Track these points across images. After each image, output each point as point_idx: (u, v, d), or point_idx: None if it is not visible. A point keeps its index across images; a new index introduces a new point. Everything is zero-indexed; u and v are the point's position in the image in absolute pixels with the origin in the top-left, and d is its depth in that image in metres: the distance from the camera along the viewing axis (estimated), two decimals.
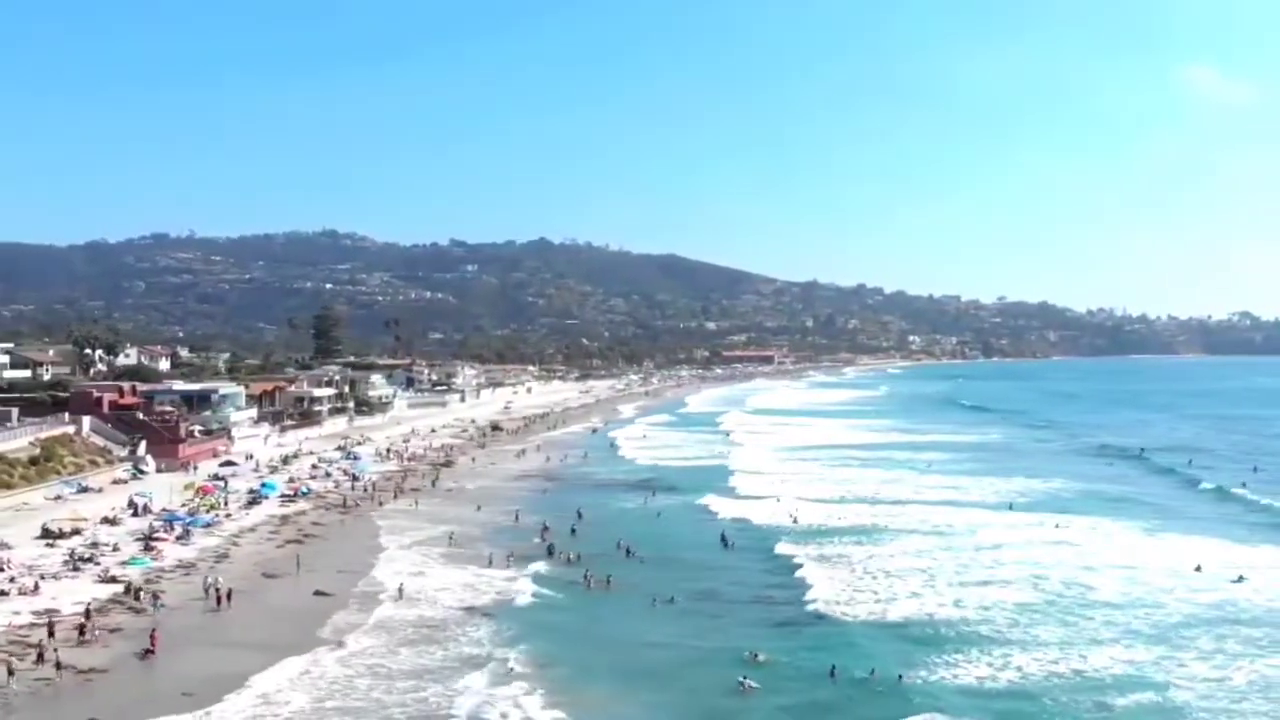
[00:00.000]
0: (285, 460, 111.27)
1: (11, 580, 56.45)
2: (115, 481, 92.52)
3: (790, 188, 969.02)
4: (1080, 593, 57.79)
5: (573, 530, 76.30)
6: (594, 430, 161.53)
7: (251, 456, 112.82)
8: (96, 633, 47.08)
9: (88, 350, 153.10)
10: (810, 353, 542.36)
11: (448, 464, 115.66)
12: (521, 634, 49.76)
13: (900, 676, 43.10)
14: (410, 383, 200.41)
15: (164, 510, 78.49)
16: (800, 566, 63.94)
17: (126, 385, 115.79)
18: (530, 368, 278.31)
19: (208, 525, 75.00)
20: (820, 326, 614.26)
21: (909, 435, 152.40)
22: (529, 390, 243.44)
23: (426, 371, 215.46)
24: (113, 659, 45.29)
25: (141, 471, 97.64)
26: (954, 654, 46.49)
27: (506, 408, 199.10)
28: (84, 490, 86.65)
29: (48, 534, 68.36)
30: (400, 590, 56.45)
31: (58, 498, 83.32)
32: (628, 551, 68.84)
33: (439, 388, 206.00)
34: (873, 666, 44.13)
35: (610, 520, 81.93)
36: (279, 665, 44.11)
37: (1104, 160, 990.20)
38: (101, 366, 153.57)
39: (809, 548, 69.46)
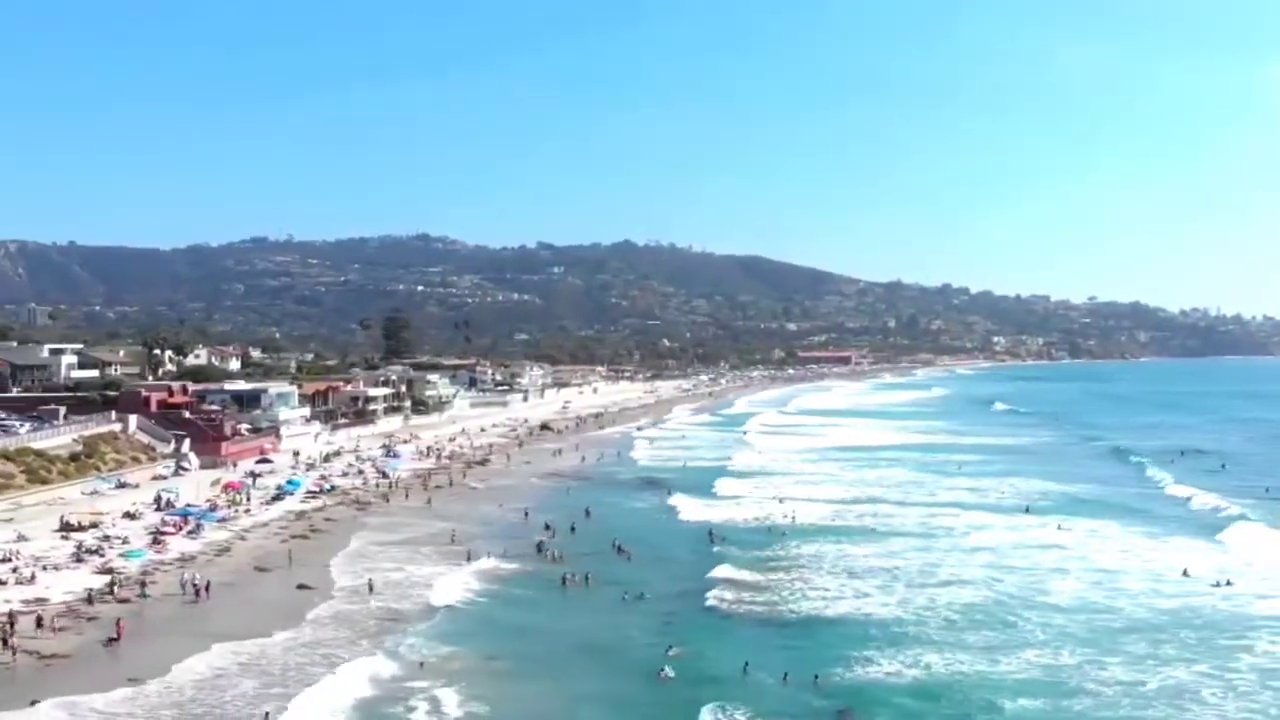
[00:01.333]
0: (326, 458, 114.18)
1: (14, 570, 59.25)
2: (155, 478, 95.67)
3: (875, 188, 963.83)
4: (1035, 596, 57.60)
5: (572, 528, 77.32)
6: (639, 429, 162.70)
7: (298, 453, 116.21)
8: (56, 624, 49.15)
9: (156, 351, 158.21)
10: (890, 353, 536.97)
11: (482, 462, 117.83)
12: (469, 630, 51.19)
13: (816, 676, 43.58)
14: (473, 383, 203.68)
15: (187, 505, 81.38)
16: (771, 565, 64.49)
17: (176, 385, 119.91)
18: (599, 368, 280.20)
19: (222, 520, 77.62)
20: (902, 327, 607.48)
21: (951, 437, 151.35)
22: (594, 390, 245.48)
23: (490, 372, 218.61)
24: (79, 646, 47.65)
25: (184, 468, 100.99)
26: (871, 652, 46.88)
27: (565, 407, 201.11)
28: (122, 486, 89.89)
29: (67, 527, 71.31)
30: (370, 585, 58.07)
31: (94, 493, 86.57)
32: (618, 549, 69.88)
33: (500, 388, 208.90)
34: (788, 663, 44.88)
35: (616, 519, 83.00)
36: (217, 650, 46.22)
37: (1197, 158, 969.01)
38: (171, 367, 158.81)
39: (790, 547, 70.11)
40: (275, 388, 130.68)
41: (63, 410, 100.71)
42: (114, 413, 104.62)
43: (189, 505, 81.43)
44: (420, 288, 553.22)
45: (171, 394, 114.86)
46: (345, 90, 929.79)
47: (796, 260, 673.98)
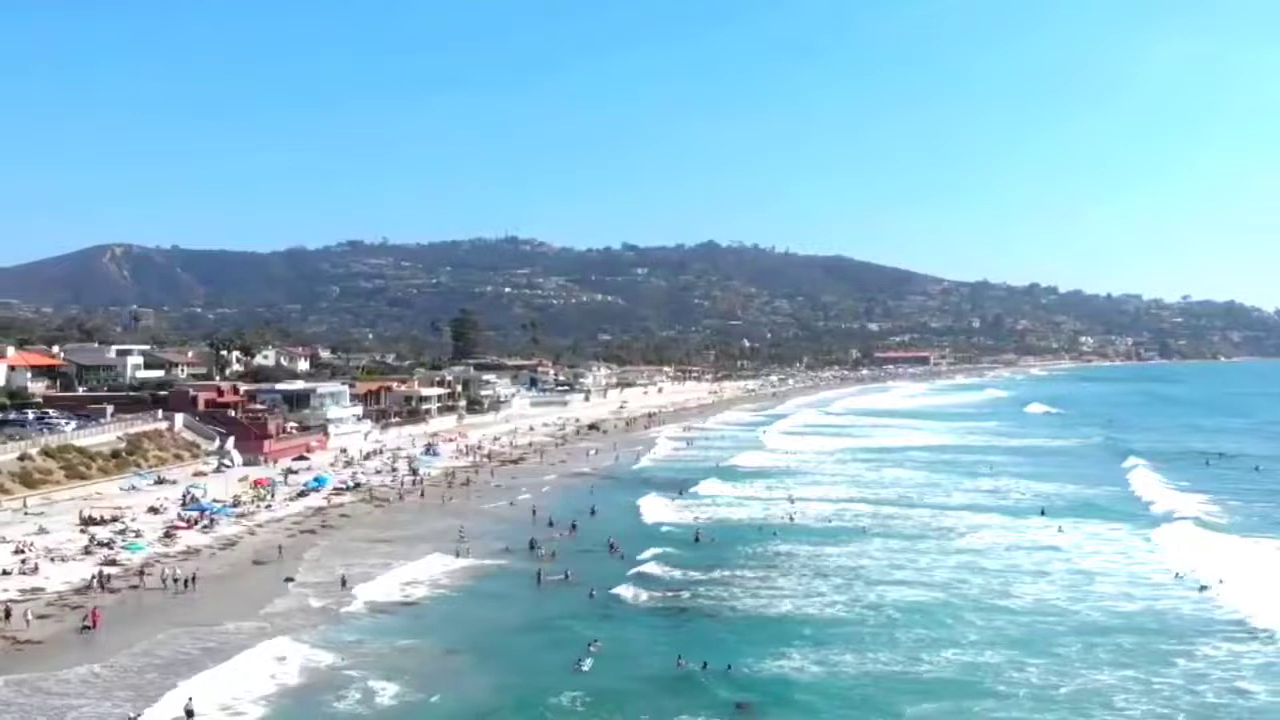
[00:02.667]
0: (366, 456, 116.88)
1: (23, 561, 62.05)
2: (196, 474, 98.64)
3: (962, 187, 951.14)
4: (994, 598, 57.53)
5: (573, 526, 78.38)
6: (685, 429, 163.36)
7: (345, 450, 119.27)
8: (29, 615, 51.26)
9: (223, 352, 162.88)
10: (971, 354, 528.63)
11: (516, 461, 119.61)
12: (420, 623, 52.65)
13: (729, 667, 44.41)
14: (533, 383, 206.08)
15: (212, 500, 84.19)
16: (742, 564, 65.14)
17: (227, 385, 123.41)
18: (666, 368, 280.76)
19: (241, 515, 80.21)
20: (987, 327, 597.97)
21: (990, 438, 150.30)
22: (659, 390, 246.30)
23: (553, 373, 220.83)
24: (55, 632, 50.08)
25: (225, 465, 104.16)
26: (793, 649, 47.41)
27: (621, 407, 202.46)
28: (160, 482, 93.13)
29: (89, 521, 74.25)
30: (343, 580, 59.73)
31: (131, 488, 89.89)
32: (611, 547, 70.80)
33: (560, 388, 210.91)
34: (711, 656, 45.45)
35: (621, 518, 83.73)
36: (175, 634, 48.64)
37: None
38: (239, 367, 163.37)
39: (770, 547, 70.74)
40: (325, 387, 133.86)
41: (110, 409, 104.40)
42: (161, 411, 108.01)
43: (214, 501, 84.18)
44: (507, 289, 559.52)
45: (221, 394, 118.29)
46: (439, 97, 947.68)
47: (880, 260, 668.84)
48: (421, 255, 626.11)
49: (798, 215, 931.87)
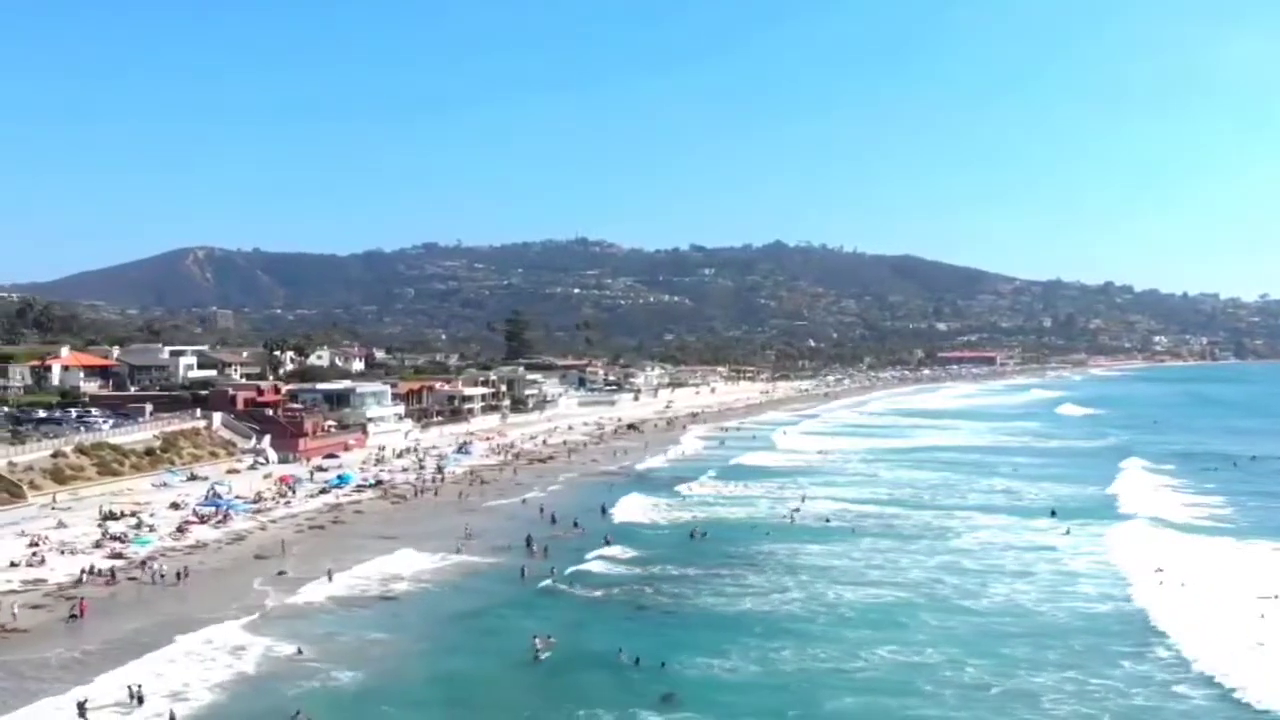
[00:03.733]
0: (398, 454, 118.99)
1: (34, 554, 64.49)
2: (229, 471, 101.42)
3: (1034, 186, 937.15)
4: (960, 598, 57.62)
5: (575, 523, 79.29)
6: (723, 429, 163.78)
7: (383, 448, 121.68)
8: (14, 610, 52.91)
9: (276, 352, 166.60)
10: (1040, 354, 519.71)
11: (545, 460, 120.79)
12: (394, 618, 53.78)
13: (664, 664, 44.94)
14: (581, 383, 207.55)
15: (235, 497, 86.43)
16: (723, 562, 65.75)
17: (268, 384, 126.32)
18: (720, 369, 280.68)
19: (258, 510, 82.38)
20: (1059, 327, 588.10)
21: (1025, 439, 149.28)
22: (712, 390, 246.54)
23: (602, 372, 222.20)
24: (43, 621, 52.16)
25: (259, 463, 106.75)
26: (734, 644, 47.99)
27: (667, 407, 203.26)
28: (192, 479, 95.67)
29: (109, 516, 76.80)
30: (329, 574, 61.23)
31: (163, 485, 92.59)
32: (607, 542, 71.64)
33: (609, 388, 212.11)
34: (652, 650, 46.19)
35: (626, 516, 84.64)
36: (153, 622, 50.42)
37: None
38: (293, 367, 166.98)
39: (755, 545, 71.07)
40: (364, 387, 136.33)
41: (149, 408, 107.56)
42: (199, 410, 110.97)
43: (236, 497, 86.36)
44: (576, 290, 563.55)
45: (261, 393, 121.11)
46: (512, 102, 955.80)
47: (950, 260, 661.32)
48: (494, 257, 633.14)
49: (867, 215, 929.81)
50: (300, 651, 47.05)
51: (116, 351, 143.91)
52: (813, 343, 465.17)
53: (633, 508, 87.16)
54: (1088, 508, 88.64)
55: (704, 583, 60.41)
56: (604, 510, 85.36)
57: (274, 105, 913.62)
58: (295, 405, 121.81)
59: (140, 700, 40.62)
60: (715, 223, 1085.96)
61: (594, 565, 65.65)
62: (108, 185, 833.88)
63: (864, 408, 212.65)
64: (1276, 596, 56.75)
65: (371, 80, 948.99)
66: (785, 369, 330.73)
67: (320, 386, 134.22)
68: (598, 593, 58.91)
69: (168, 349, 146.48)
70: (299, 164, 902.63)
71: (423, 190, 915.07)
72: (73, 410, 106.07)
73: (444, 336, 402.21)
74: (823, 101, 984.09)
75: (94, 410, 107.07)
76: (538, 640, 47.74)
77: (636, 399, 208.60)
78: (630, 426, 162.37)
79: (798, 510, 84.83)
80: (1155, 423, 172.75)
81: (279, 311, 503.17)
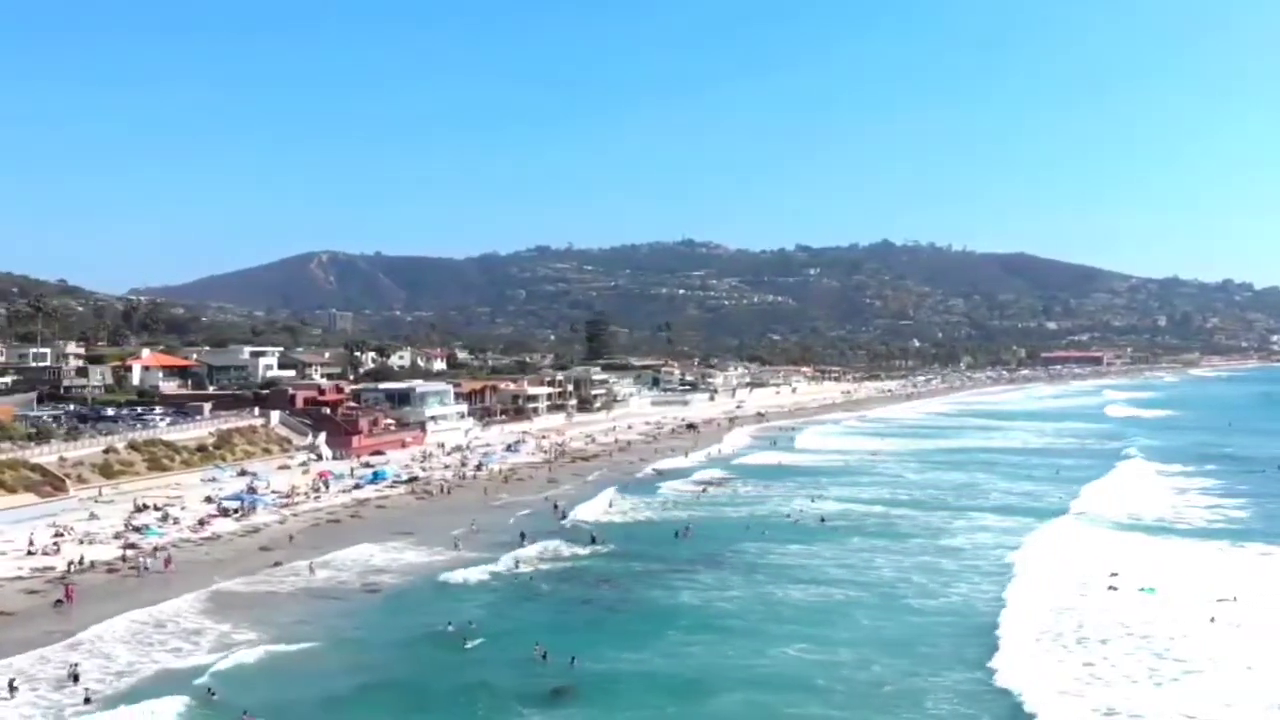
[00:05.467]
0: (449, 451, 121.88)
1: (54, 543, 68.20)
2: (280, 467, 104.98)
3: (1151, 181, 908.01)
4: (914, 597, 57.47)
5: (574, 520, 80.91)
6: (781, 429, 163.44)
7: (443, 445, 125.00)
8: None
9: (357, 353, 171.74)
10: (1154, 353, 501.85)
11: (588, 458, 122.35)
12: (353, 609, 55.73)
13: (574, 659, 45.56)
14: (656, 383, 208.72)
15: (273, 492, 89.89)
16: (693, 560, 66.64)
17: (330, 384, 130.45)
18: (804, 369, 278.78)
19: (286, 503, 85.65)
20: (1174, 326, 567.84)
21: (1079, 440, 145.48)
22: (793, 390, 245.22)
23: (677, 372, 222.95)
24: (31, 605, 55.51)
25: (314, 459, 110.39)
26: (650, 637, 49.16)
27: (738, 407, 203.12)
28: (243, 474, 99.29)
29: (142, 508, 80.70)
30: (311, 567, 63.66)
31: (212, 480, 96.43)
32: (593, 540, 73.10)
33: (683, 388, 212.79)
34: (571, 644, 47.15)
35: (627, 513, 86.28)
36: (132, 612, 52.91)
37: None
38: (373, 366, 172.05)
39: (739, 544, 71.36)
40: (425, 386, 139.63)
41: (207, 406, 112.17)
42: (258, 408, 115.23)
43: (273, 492, 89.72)
44: (681, 291, 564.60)
45: (322, 392, 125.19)
46: (623, 106, 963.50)
47: (1063, 257, 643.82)
48: (603, 259, 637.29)
49: (978, 212, 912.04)
50: (253, 637, 49.44)
51: (194, 356, 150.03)
52: (916, 343, 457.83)
53: (634, 506, 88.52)
54: (1109, 510, 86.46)
55: (657, 579, 61.33)
56: (610, 505, 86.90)
57: (394, 117, 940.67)
58: (353, 404, 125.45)
59: (75, 679, 43.35)
60: (822, 223, 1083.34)
61: (566, 561, 67.13)
62: (240, 193, 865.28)
63: (934, 408, 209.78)
64: (1234, 599, 55.74)
65: (485, 93, 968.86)
66: (879, 369, 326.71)
67: (382, 386, 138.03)
68: (552, 586, 60.37)
69: (248, 349, 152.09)
70: (419, 172, 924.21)
71: (536, 195, 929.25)
72: (138, 408, 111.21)
73: (552, 337, 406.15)
74: (931, 98, 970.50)
75: (157, 409, 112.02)
76: (472, 625, 49.53)
77: (712, 399, 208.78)
78: (689, 426, 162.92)
79: (803, 510, 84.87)
80: (1230, 424, 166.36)
81: (398, 313, 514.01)
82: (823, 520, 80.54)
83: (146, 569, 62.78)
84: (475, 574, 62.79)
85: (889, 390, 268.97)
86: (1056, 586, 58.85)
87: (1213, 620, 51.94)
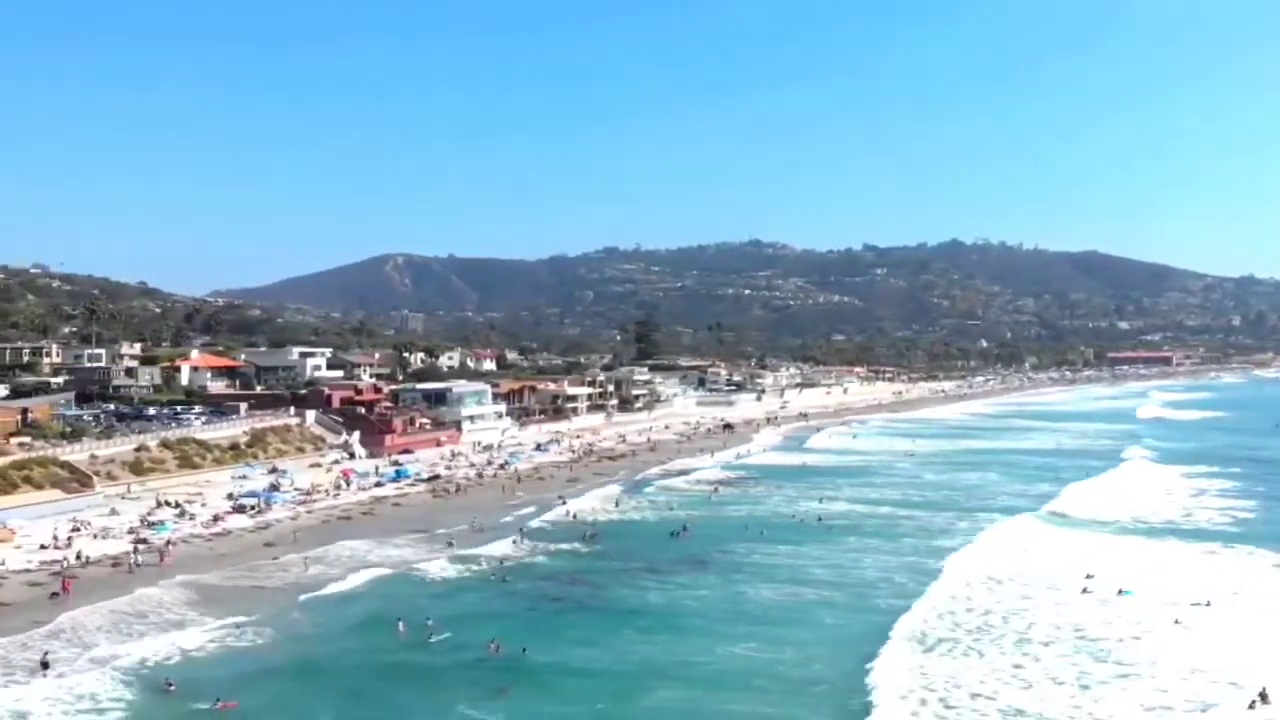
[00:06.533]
0: (480, 449, 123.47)
1: (70, 537, 70.52)
2: (312, 465, 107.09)
3: (1224, 177, 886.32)
4: (886, 598, 57.02)
5: (573, 518, 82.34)
6: (818, 429, 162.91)
7: (479, 444, 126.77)
8: None
9: (406, 354, 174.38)
10: (1226, 353, 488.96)
11: (616, 458, 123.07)
12: (334, 606, 56.79)
13: (525, 650, 46.80)
14: (701, 383, 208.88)
15: (295, 489, 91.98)
16: (681, 558, 67.22)
17: (367, 383, 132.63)
18: (857, 369, 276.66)
19: (301, 502, 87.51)
20: (1249, 325, 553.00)
21: (1116, 442, 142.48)
22: (844, 390, 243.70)
23: (724, 373, 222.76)
24: (30, 596, 57.62)
25: (347, 457, 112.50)
26: (605, 634, 49.97)
27: (782, 407, 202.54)
28: (272, 471, 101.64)
29: (164, 504, 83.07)
30: (304, 562, 65.26)
31: (243, 477, 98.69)
32: (585, 538, 74.08)
33: (729, 388, 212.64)
34: (529, 640, 48.06)
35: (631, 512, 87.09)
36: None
37: None
38: (423, 367, 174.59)
39: (729, 543, 71.69)
40: (462, 387, 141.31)
41: (243, 406, 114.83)
42: (294, 408, 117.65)
43: (295, 489, 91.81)
44: (747, 291, 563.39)
45: (359, 392, 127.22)
46: (690, 107, 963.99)
47: (1136, 256, 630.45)
48: (670, 260, 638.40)
49: (1050, 211, 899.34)
50: (227, 632, 50.95)
51: (243, 356, 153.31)
52: (984, 343, 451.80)
53: (639, 505, 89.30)
54: (1115, 513, 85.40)
55: (633, 578, 61.91)
56: (616, 504, 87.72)
57: (469, 122, 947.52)
58: (390, 404, 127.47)
59: (46, 666, 45.18)
60: (890, 223, 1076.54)
61: (552, 559, 67.99)
62: (314, 197, 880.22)
63: (980, 409, 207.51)
64: (1207, 603, 54.89)
65: (557, 96, 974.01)
66: (939, 369, 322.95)
67: (420, 386, 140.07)
68: (529, 584, 61.22)
69: (297, 350, 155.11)
70: (491, 175, 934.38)
71: (604, 197, 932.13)
72: (177, 408, 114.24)
73: (617, 337, 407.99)
74: (1000, 97, 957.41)
75: (195, 408, 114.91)
76: (430, 623, 50.56)
77: (759, 399, 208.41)
78: (726, 426, 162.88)
79: (807, 511, 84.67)
80: (1276, 427, 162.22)
81: (469, 314, 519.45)
82: (820, 520, 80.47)
83: (138, 565, 64.14)
84: (457, 570, 63.97)
85: (943, 391, 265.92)
86: (1029, 588, 58.41)
87: (1177, 623, 51.33)
